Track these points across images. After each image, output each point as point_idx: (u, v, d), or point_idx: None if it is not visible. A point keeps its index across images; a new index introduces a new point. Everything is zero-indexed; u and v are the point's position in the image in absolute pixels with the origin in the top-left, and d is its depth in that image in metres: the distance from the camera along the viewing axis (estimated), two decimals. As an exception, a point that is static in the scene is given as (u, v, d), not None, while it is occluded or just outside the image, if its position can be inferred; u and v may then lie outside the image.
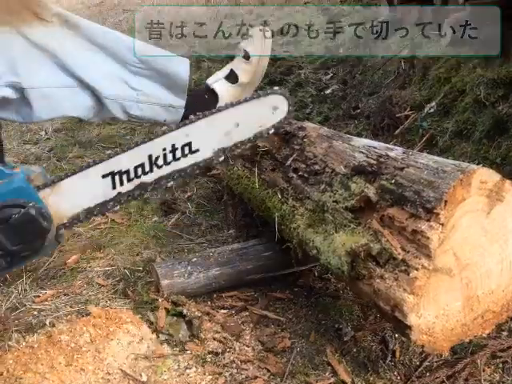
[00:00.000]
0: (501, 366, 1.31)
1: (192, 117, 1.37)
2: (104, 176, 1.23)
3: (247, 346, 1.47)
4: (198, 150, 1.36)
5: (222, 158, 1.41)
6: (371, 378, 1.33)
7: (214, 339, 1.48)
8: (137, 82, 1.61)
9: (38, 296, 1.67)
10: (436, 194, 1.10)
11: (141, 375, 1.34)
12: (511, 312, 1.23)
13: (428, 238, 1.08)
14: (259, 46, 1.72)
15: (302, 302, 1.64)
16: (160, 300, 1.59)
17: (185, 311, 1.54)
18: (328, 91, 3.45)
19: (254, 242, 1.78)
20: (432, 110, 2.53)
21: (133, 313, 1.56)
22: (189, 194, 2.31)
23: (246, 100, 1.44)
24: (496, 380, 1.28)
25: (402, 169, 1.24)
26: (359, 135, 2.53)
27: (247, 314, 1.60)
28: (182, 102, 1.68)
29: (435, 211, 1.08)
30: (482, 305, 1.18)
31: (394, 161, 1.29)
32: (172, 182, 1.35)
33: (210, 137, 1.39)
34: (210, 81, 1.73)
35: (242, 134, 1.44)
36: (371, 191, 1.26)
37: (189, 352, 1.44)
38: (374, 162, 1.33)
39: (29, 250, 1.15)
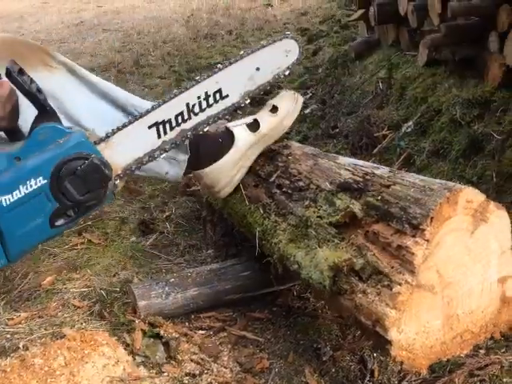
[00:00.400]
0: (479, 384, 1.31)
1: (219, 65, 1.48)
2: (150, 127, 1.35)
3: (225, 368, 1.45)
4: (227, 96, 1.49)
5: (248, 101, 1.55)
6: (350, 398, 1.32)
7: (192, 361, 1.46)
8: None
9: (12, 318, 1.63)
10: (422, 210, 1.11)
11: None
12: (489, 334, 1.23)
13: (413, 253, 1.09)
14: (288, 107, 1.74)
15: (281, 321, 1.62)
16: (137, 321, 1.56)
17: (162, 332, 1.52)
18: (307, 111, 3.47)
19: (233, 261, 1.77)
20: (409, 130, 2.56)
21: (109, 335, 1.53)
22: (167, 213, 2.29)
23: (262, 46, 1.54)
24: (474, 399, 1.28)
25: (388, 186, 1.25)
26: (338, 154, 2.54)
27: (225, 334, 1.58)
28: (185, 155, 1.66)
29: (421, 227, 1.09)
30: (461, 324, 1.18)
31: (381, 178, 1.30)
32: (207, 127, 1.48)
33: (236, 82, 1.51)
34: (230, 124, 1.74)
35: (263, 77, 1.55)
36: (357, 207, 1.27)
37: (166, 374, 1.42)
38: (360, 179, 1.34)
39: (94, 198, 1.24)
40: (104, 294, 1.73)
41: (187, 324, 1.62)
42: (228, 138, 1.72)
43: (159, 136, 1.39)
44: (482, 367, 1.33)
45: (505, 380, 1.29)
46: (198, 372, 1.42)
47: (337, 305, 1.30)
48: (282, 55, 1.57)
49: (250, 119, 1.75)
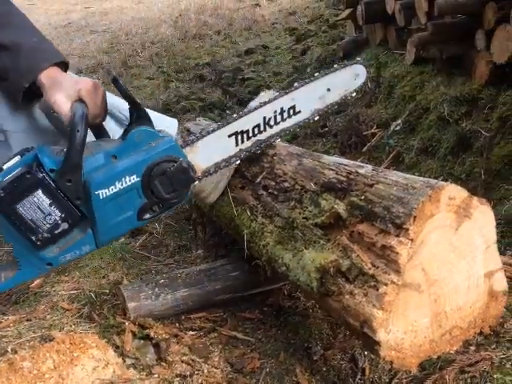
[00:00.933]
0: (469, 381, 1.31)
1: (296, 84, 1.57)
2: (230, 135, 1.47)
3: (216, 368, 1.44)
4: (299, 112, 1.58)
5: (316, 118, 1.62)
6: (341, 397, 1.31)
7: (182, 362, 1.45)
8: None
9: (0, 322, 1.61)
10: (405, 209, 1.10)
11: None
12: (478, 329, 1.23)
13: (397, 253, 1.08)
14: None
15: (272, 321, 1.62)
16: (126, 323, 1.55)
17: (152, 334, 1.51)
18: (296, 110, 3.46)
19: (223, 261, 1.76)
20: (398, 128, 2.57)
21: (98, 337, 1.52)
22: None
23: (335, 69, 1.63)
24: (465, 395, 1.28)
25: (371, 185, 1.25)
26: (327, 153, 2.54)
27: (216, 335, 1.57)
28: None
29: (404, 226, 1.09)
30: (449, 321, 1.18)
31: (364, 177, 1.29)
32: (279, 139, 1.59)
33: (308, 100, 1.60)
34: None
35: (332, 97, 1.63)
36: (341, 207, 1.26)
37: (156, 376, 1.40)
38: (344, 179, 1.33)
39: (177, 197, 1.35)
40: (93, 296, 1.71)
41: (177, 325, 1.61)
42: None
43: (237, 144, 1.50)
44: (473, 364, 1.33)
45: (495, 376, 1.29)
46: (188, 373, 1.41)
47: (325, 306, 1.30)
48: (351, 79, 1.65)
49: None
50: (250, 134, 1.52)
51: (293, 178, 1.50)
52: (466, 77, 2.43)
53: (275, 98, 1.54)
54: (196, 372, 1.42)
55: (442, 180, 2.14)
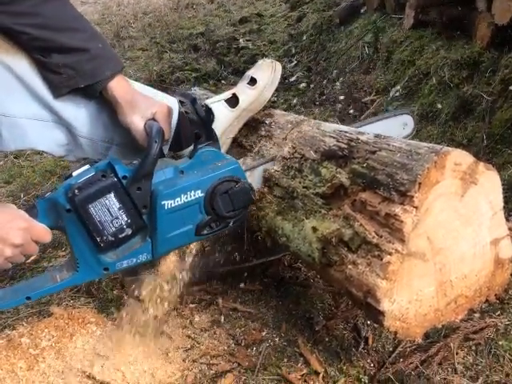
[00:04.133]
0: (474, 348, 1.30)
1: None
2: None
3: (217, 340, 1.42)
4: None
5: None
6: (344, 367, 1.30)
7: (183, 334, 1.43)
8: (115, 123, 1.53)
9: (-3, 298, 1.59)
10: (410, 176, 1.06)
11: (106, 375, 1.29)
12: (484, 297, 1.21)
13: (402, 221, 1.05)
14: (267, 77, 1.71)
15: (272, 292, 1.60)
16: (125, 297, 1.53)
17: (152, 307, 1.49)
18: (292, 79, 3.41)
19: (222, 233, 1.73)
20: (397, 94, 2.52)
21: (97, 311, 1.51)
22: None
23: (384, 117, 1.72)
24: (469, 362, 1.26)
25: (373, 152, 1.20)
26: (326, 122, 2.50)
27: (216, 307, 1.56)
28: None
29: (409, 194, 1.05)
30: (455, 290, 1.16)
31: (366, 144, 1.25)
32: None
33: None
34: (209, 100, 1.69)
35: None
36: (343, 176, 1.22)
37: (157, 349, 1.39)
38: (345, 146, 1.29)
39: (235, 216, 1.39)
40: (91, 270, 1.69)
41: (177, 298, 1.59)
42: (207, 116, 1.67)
43: None
44: (477, 331, 1.32)
45: (500, 343, 1.28)
46: (189, 346, 1.40)
47: (327, 276, 1.27)
48: (399, 127, 1.72)
49: (228, 94, 1.70)
50: None
51: (292, 146, 1.46)
52: (466, 40, 2.37)
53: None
54: (197, 345, 1.40)
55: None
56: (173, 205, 1.30)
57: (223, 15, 5.20)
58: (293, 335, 1.42)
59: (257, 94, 1.69)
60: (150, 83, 3.48)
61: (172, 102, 1.68)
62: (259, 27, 4.58)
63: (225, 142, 1.69)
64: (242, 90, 1.69)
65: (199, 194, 1.33)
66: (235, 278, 1.66)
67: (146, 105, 1.42)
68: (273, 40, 4.21)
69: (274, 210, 1.41)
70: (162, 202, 1.29)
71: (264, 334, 1.44)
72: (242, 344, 1.40)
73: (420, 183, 1.04)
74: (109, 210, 1.26)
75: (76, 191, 1.24)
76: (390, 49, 2.79)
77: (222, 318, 1.51)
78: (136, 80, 1.55)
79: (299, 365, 1.32)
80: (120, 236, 1.29)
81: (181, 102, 1.47)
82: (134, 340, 1.39)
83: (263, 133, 1.62)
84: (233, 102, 1.68)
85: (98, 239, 1.27)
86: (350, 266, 1.14)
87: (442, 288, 1.14)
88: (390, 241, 1.07)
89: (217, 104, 1.68)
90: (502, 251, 1.19)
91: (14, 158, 2.70)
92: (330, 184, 1.25)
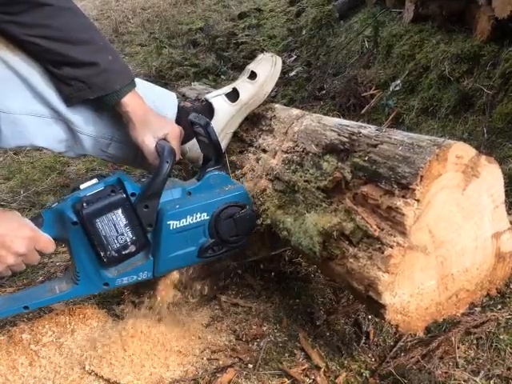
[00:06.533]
0: (475, 342, 1.29)
1: None
2: None
3: (218, 335, 1.42)
4: None
5: None
6: (345, 362, 1.30)
7: (183, 329, 1.43)
8: (115, 120, 1.54)
9: (-3, 294, 1.59)
10: (411, 169, 1.06)
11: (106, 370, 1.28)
12: (485, 291, 1.20)
13: (403, 214, 1.04)
14: (267, 71, 1.71)
15: (273, 287, 1.60)
16: (126, 293, 1.53)
17: (152, 303, 1.49)
18: (292, 73, 3.40)
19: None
20: (397, 88, 2.51)
21: (98, 307, 1.51)
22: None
23: None
24: (471, 357, 1.26)
25: (375, 145, 1.19)
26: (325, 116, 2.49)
27: (217, 302, 1.55)
28: None
29: (411, 187, 1.04)
30: (456, 283, 1.15)
31: (367, 138, 1.24)
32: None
33: None
34: (209, 95, 1.69)
35: None
36: (346, 171, 1.21)
37: (158, 345, 1.39)
38: (347, 140, 1.28)
39: (238, 241, 1.43)
40: (91, 266, 1.68)
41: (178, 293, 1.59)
42: (207, 111, 1.67)
43: None
44: (479, 325, 1.31)
45: (502, 337, 1.27)
46: (190, 341, 1.39)
47: (328, 270, 1.26)
48: None
49: (228, 88, 1.70)
50: None
51: (293, 140, 1.45)
52: (466, 33, 2.36)
53: None
54: (198, 340, 1.40)
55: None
56: (178, 225, 1.32)
57: (222, 10, 5.19)
58: (294, 330, 1.42)
59: (257, 88, 1.68)
60: (150, 79, 3.47)
61: (171, 96, 1.68)
62: (258, 22, 4.57)
63: (225, 137, 1.69)
64: (243, 84, 1.69)
65: (205, 216, 1.35)
66: (236, 274, 1.66)
67: (159, 125, 1.45)
68: (272, 35, 4.20)
69: (275, 205, 1.41)
70: (168, 222, 1.31)
71: (265, 329, 1.44)
72: (243, 339, 1.40)
73: (422, 176, 1.04)
74: (115, 226, 1.28)
75: (84, 204, 1.25)
76: (389, 43, 2.78)
77: (223, 312, 1.51)
78: (135, 76, 1.54)
79: (300, 359, 1.32)
80: (124, 252, 1.30)
81: (193, 124, 1.48)
82: (135, 336, 1.39)
83: (264, 127, 1.62)
84: (233, 96, 1.68)
85: (102, 254, 1.28)
86: (351, 260, 1.14)
87: (443, 281, 1.13)
88: (392, 234, 1.07)
89: (217, 98, 1.67)
90: (504, 245, 1.19)
91: (14, 154, 2.69)
92: (331, 178, 1.25)
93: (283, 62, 3.50)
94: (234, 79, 1.82)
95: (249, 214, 1.41)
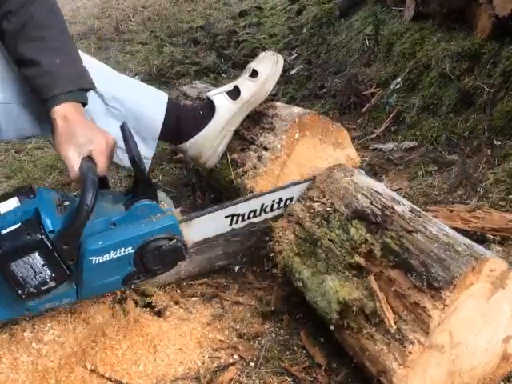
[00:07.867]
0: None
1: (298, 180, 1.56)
2: (226, 216, 1.50)
3: (219, 334, 1.42)
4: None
5: None
6: (347, 360, 1.30)
7: (184, 327, 1.43)
8: (105, 123, 1.51)
9: (-1, 293, 1.59)
10: (446, 275, 1.05)
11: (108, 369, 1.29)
12: None
13: (430, 316, 1.05)
14: (268, 69, 1.71)
15: (275, 285, 1.59)
16: (128, 291, 1.54)
17: (154, 302, 1.50)
18: (293, 72, 3.41)
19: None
20: (398, 86, 2.51)
21: (99, 305, 1.51)
22: (154, 180, 2.24)
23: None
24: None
25: (409, 232, 1.18)
26: (326, 114, 2.50)
27: (218, 300, 1.56)
28: (150, 152, 1.65)
29: (442, 292, 1.05)
30: (462, 379, 1.16)
31: (401, 219, 1.22)
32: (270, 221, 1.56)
33: None
34: (210, 93, 1.69)
35: None
36: (376, 248, 1.20)
37: (159, 343, 1.39)
38: (379, 213, 1.26)
39: (164, 270, 1.38)
40: (93, 264, 1.69)
41: (179, 291, 1.59)
42: (208, 109, 1.67)
43: (231, 224, 1.52)
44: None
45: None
46: (191, 339, 1.40)
47: (341, 336, 1.26)
48: None
49: (230, 86, 1.70)
50: (245, 217, 1.53)
51: (321, 189, 1.45)
52: (467, 31, 2.36)
53: (277, 190, 1.54)
54: (199, 338, 1.40)
55: (445, 139, 2.12)
56: (100, 260, 1.27)
57: (223, 8, 5.19)
58: (295, 328, 1.43)
59: (258, 86, 1.69)
60: (150, 77, 3.48)
61: (160, 96, 1.68)
62: (259, 20, 4.57)
63: (226, 135, 1.70)
64: (244, 82, 1.69)
65: (130, 250, 1.30)
66: (237, 272, 1.66)
67: (84, 140, 1.32)
68: (273, 33, 4.20)
69: (293, 250, 1.41)
70: (90, 258, 1.26)
71: (266, 327, 1.44)
72: (245, 337, 1.40)
73: (455, 285, 1.04)
74: (32, 267, 1.22)
75: None
76: (390, 41, 2.79)
77: (224, 311, 1.51)
78: (136, 74, 1.55)
79: (302, 357, 1.33)
80: (43, 288, 1.25)
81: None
82: (136, 335, 1.40)
83: (265, 125, 1.62)
84: (234, 94, 1.68)
85: (20, 292, 1.24)
86: (367, 338, 1.14)
87: (450, 377, 1.15)
88: (415, 330, 1.07)
89: (218, 96, 1.68)
90: (511, 347, 1.21)
91: (15, 152, 2.70)
92: (360, 249, 1.23)
93: (284, 60, 3.52)
94: (235, 77, 1.82)
95: (176, 246, 1.34)
